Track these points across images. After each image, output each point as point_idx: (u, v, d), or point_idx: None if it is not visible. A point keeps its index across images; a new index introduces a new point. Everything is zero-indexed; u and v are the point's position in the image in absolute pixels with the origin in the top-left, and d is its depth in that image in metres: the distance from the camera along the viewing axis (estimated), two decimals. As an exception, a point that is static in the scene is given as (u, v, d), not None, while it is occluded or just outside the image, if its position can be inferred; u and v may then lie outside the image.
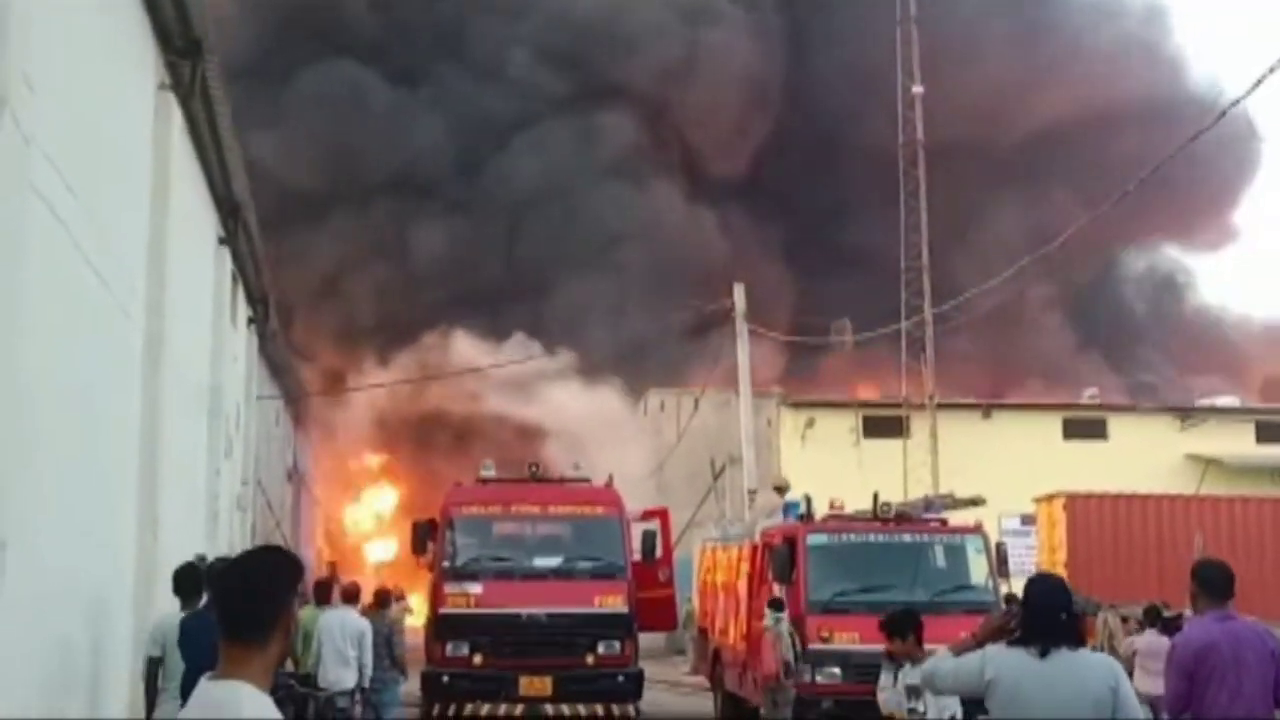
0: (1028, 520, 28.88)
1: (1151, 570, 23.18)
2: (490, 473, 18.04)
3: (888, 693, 8.33)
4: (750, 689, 16.63)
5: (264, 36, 40.56)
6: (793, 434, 34.92)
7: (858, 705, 11.86)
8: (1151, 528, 24.71)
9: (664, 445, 34.58)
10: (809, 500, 17.40)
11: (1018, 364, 40.95)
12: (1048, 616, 5.34)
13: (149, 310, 11.42)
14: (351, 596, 13.93)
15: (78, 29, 8.57)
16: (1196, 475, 33.20)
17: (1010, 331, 40.30)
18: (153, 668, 9.10)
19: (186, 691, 9.11)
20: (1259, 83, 14.32)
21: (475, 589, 16.28)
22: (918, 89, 35.29)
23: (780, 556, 15.77)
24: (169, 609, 9.54)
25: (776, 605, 15.21)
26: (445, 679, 16.05)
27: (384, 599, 14.85)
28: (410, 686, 16.15)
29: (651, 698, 18.13)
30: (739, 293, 29.04)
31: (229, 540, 18.72)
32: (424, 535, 16.95)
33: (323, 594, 14.24)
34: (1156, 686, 9.79)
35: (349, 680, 13.15)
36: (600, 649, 16.19)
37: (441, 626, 16.28)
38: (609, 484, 17.98)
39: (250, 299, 21.86)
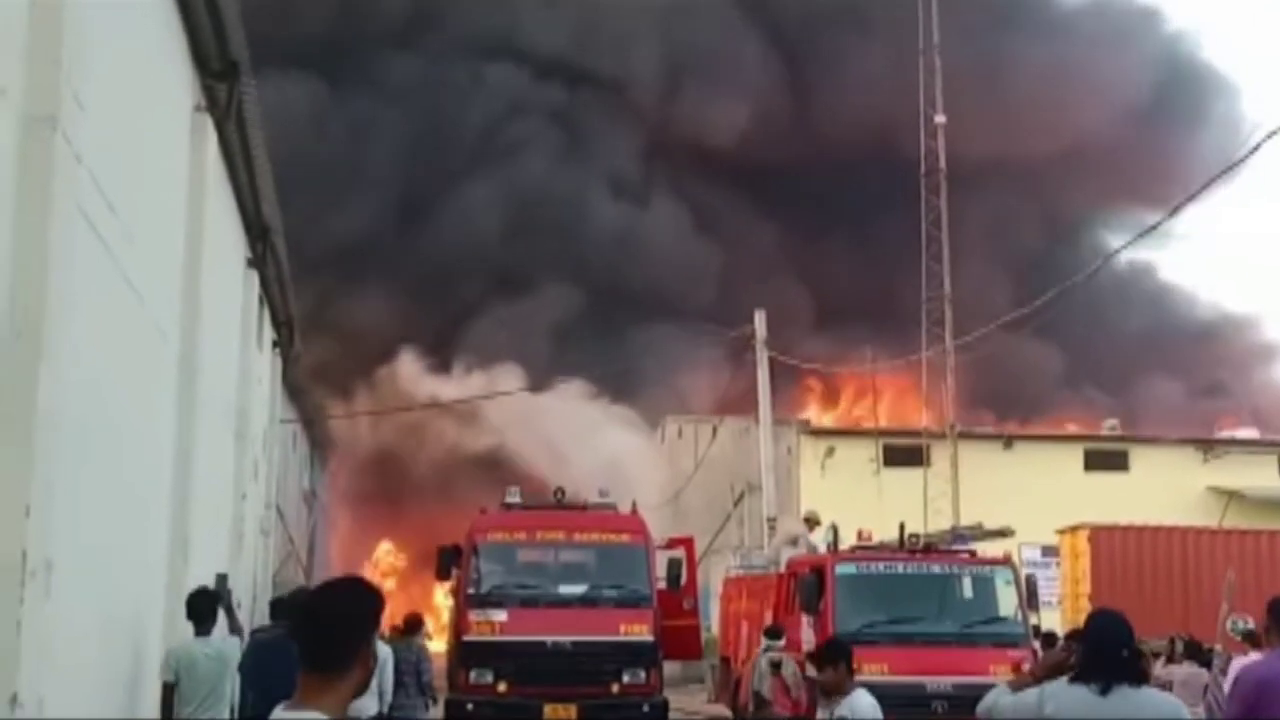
0: (1049, 551, 28.72)
1: (1176, 603, 23.04)
2: (515, 499, 17.91)
3: None
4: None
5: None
6: (812, 462, 34.90)
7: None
8: (1176, 560, 24.55)
9: (680, 474, 34.48)
10: (835, 530, 17.29)
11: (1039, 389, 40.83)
12: (1109, 653, 5.20)
13: (183, 331, 11.38)
14: (371, 623, 13.80)
15: (121, 49, 8.55)
16: (1218, 508, 33.07)
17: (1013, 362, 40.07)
18: (168, 693, 9.04)
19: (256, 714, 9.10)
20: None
21: (500, 616, 16.18)
22: (940, 119, 35.14)
23: (808, 586, 15.65)
24: (186, 634, 9.51)
25: (771, 634, 14.96)
26: (470, 706, 15.96)
27: (413, 625, 14.61)
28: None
29: (671, 727, 17.93)
30: (759, 319, 28.98)
31: (252, 566, 18.63)
32: (449, 561, 16.88)
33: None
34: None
35: (370, 708, 13.03)
36: (626, 678, 16.09)
37: (466, 653, 16.18)
38: (634, 511, 17.88)
39: (275, 322, 21.82)
